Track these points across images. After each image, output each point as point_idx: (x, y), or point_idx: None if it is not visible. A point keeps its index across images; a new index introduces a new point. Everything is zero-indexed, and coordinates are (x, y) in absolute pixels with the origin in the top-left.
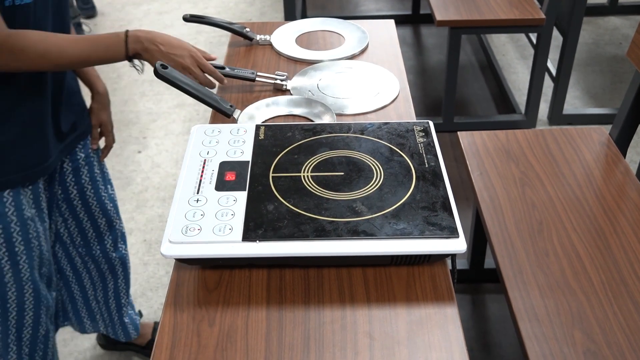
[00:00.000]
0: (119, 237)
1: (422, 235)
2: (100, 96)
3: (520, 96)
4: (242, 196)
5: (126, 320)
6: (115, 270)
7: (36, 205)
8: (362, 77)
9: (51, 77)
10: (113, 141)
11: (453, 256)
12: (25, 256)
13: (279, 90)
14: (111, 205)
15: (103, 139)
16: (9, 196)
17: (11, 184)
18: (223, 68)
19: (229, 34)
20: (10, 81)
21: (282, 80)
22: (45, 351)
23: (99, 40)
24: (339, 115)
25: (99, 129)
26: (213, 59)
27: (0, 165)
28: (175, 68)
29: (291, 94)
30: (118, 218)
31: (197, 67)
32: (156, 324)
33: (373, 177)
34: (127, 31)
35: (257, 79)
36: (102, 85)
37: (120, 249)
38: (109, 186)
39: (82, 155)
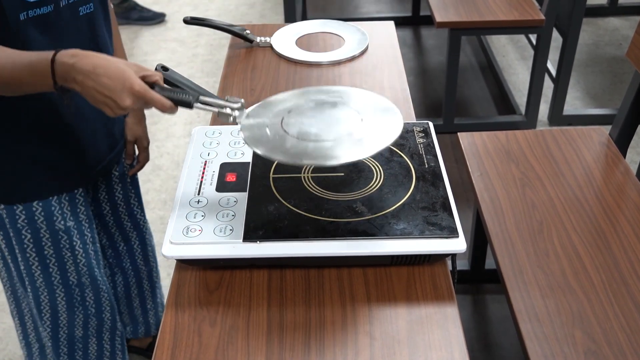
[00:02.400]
0: (149, 251)
1: (422, 235)
2: (136, 110)
3: (520, 97)
4: (242, 197)
5: (151, 321)
6: (142, 282)
7: (74, 217)
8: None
9: None
10: (147, 159)
11: (453, 256)
12: (55, 259)
13: (225, 122)
14: (142, 221)
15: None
16: (38, 206)
17: (51, 190)
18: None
19: (229, 36)
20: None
21: (233, 109)
22: (86, 354)
23: (26, 58)
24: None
25: (134, 145)
26: (155, 81)
27: (50, 172)
28: (108, 108)
29: (240, 131)
30: (147, 229)
31: (141, 102)
32: None
33: (373, 177)
34: (55, 53)
35: (195, 104)
36: None
37: (150, 261)
38: (141, 201)
39: (117, 173)
